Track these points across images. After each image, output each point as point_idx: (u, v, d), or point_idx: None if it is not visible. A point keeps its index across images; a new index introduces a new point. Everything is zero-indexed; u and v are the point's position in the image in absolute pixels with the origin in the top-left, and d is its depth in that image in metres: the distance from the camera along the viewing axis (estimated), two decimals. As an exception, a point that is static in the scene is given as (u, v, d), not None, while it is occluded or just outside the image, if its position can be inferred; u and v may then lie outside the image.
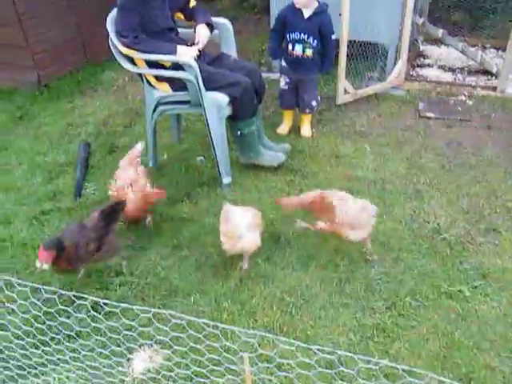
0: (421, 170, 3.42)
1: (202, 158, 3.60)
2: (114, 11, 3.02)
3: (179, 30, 3.26)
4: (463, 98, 4.36)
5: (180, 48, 2.96)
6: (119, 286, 2.58)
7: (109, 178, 3.39)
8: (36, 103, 4.52)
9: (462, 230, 2.86)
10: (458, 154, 3.61)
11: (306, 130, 3.84)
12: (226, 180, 3.23)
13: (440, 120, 4.04)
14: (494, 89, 4.38)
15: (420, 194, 3.18)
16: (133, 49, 2.91)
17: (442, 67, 4.96)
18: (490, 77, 4.68)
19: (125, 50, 2.94)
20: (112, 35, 2.99)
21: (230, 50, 3.35)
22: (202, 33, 3.10)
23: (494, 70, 4.62)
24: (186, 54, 2.93)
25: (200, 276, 2.63)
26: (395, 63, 4.45)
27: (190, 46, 3.08)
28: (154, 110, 3.18)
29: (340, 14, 3.81)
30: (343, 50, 3.95)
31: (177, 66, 2.95)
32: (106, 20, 3.07)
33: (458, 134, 3.86)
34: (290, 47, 3.56)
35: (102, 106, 4.45)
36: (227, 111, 3.05)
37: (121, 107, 4.39)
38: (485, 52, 5.18)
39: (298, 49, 3.54)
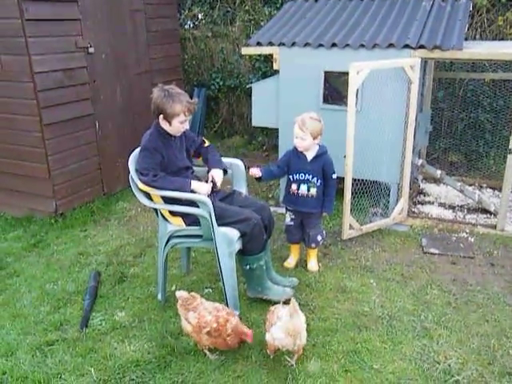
0: (428, 307, 3.43)
1: (210, 290, 3.63)
2: (137, 151, 3.28)
3: (194, 168, 3.49)
4: (465, 234, 4.48)
5: (194, 183, 3.17)
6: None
7: (116, 309, 3.43)
8: (51, 231, 4.68)
9: (475, 372, 2.80)
10: (464, 291, 3.63)
11: (312, 264, 3.92)
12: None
13: (444, 256, 4.12)
14: (494, 227, 4.52)
15: (428, 332, 3.15)
16: (151, 186, 3.11)
17: (442, 205, 5.16)
18: (489, 215, 4.86)
19: (144, 188, 3.14)
20: (132, 173, 3.21)
21: (241, 187, 3.57)
22: (216, 175, 3.35)
23: (492, 209, 4.82)
24: (201, 190, 3.14)
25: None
26: (398, 200, 4.66)
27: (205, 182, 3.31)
28: (167, 243, 3.30)
29: (344, 156, 4.10)
30: (348, 188, 4.18)
31: (191, 202, 3.13)
32: (127, 157, 3.31)
33: (462, 271, 3.91)
34: (295, 187, 3.76)
35: (113, 235, 4.59)
36: (237, 246, 3.16)
37: (132, 237, 4.53)
38: (482, 191, 5.43)
39: (304, 188, 3.75)
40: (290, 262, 3.97)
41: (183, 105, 3.12)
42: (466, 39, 5.00)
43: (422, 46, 4.25)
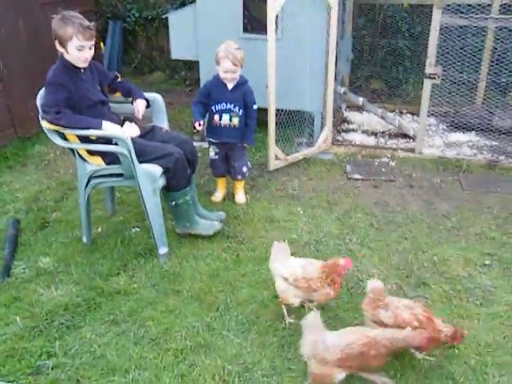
0: (352, 230, 3.57)
1: (137, 229, 3.57)
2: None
3: (111, 105, 3.31)
4: (386, 159, 4.64)
5: (106, 124, 2.98)
6: (51, 368, 2.44)
7: (39, 255, 3.30)
8: (-40, 181, 4.37)
9: (395, 285, 2.98)
10: (385, 212, 3.80)
11: (239, 196, 3.93)
12: (163, 250, 3.21)
13: (367, 181, 4.27)
14: (413, 150, 4.70)
15: (353, 253, 3.29)
16: (55, 124, 2.91)
17: (365, 132, 5.29)
18: (408, 139, 5.04)
19: (47, 126, 2.94)
20: (40, 112, 2.99)
21: (162, 122, 3.44)
22: (140, 105, 3.24)
23: (411, 133, 4.99)
24: (115, 130, 2.99)
25: (139, 351, 2.55)
26: (322, 129, 4.71)
27: (124, 120, 3.16)
28: (87, 184, 3.16)
29: (266, 86, 4.04)
30: (272, 119, 4.15)
31: (108, 140, 2.99)
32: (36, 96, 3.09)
33: (384, 194, 4.08)
34: (217, 117, 3.70)
35: (31, 180, 4.35)
36: (161, 182, 3.09)
37: (52, 182, 4.32)
38: (402, 117, 5.60)
39: (226, 118, 3.69)
40: (218, 196, 3.96)
41: (75, 27, 2.87)
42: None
43: (340, -31, 4.16)
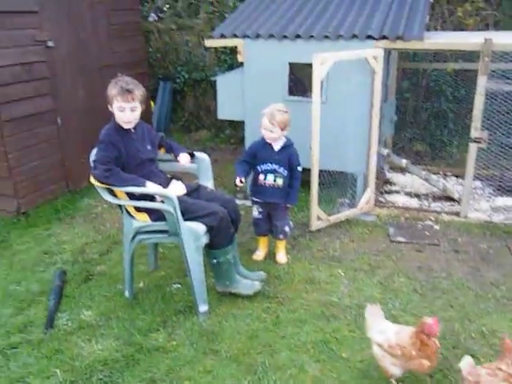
0: (395, 295, 3.48)
1: (179, 285, 3.60)
2: (98, 146, 3.21)
3: (160, 163, 3.44)
4: (430, 222, 4.56)
5: (150, 185, 3.09)
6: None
7: (82, 308, 3.36)
8: (13, 231, 4.54)
9: (440, 356, 2.85)
10: (430, 278, 3.70)
11: (281, 256, 3.93)
12: (203, 308, 3.21)
13: (410, 244, 4.19)
14: (458, 214, 4.61)
15: (395, 319, 3.18)
16: (103, 182, 3.05)
17: (408, 193, 5.24)
18: (453, 202, 4.96)
19: (97, 183, 3.08)
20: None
21: (207, 181, 3.53)
22: (184, 157, 3.38)
23: (456, 196, 4.91)
24: (163, 189, 3.11)
25: (174, 413, 2.51)
26: (364, 190, 4.70)
27: (171, 178, 3.28)
28: (133, 239, 3.24)
29: (310, 148, 4.10)
30: (314, 180, 4.19)
31: (152, 198, 3.09)
32: (89, 152, 3.25)
33: (427, 258, 3.98)
34: (262, 177, 3.76)
35: (79, 233, 4.50)
36: (204, 240, 3.13)
37: (98, 235, 4.45)
38: (446, 179, 5.53)
39: (270, 178, 3.75)
40: (259, 255, 3.96)
41: (117, 90, 3.05)
42: (428, 30, 5.07)
43: (384, 37, 4.28)
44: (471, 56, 5.27)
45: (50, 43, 4.77)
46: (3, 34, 4.34)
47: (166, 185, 3.22)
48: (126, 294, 3.45)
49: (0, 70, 4.35)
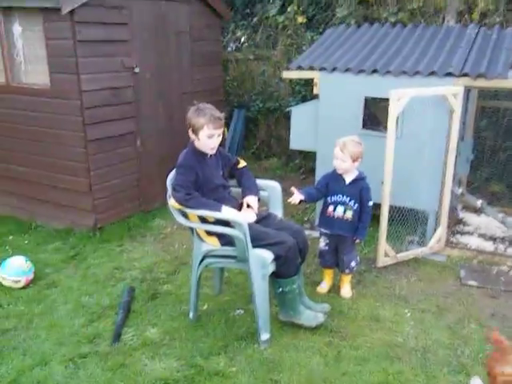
0: (465, 342, 3.32)
1: (242, 311, 3.63)
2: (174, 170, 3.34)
3: (232, 189, 3.53)
4: (506, 268, 4.34)
5: (225, 209, 3.18)
6: None
7: (147, 325, 3.47)
8: (89, 244, 4.78)
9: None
10: (504, 327, 3.50)
11: (345, 290, 3.88)
12: (265, 336, 3.22)
13: (483, 289, 4.00)
14: (537, 261, 4.37)
15: (465, 368, 3.05)
16: (183, 205, 3.16)
17: (482, 235, 5.01)
18: (531, 248, 4.70)
19: (176, 205, 3.19)
20: (169, 191, 3.27)
21: (277, 209, 3.57)
22: (252, 202, 3.38)
23: (535, 243, 4.66)
24: (234, 215, 3.17)
25: None
26: (435, 229, 4.56)
27: (242, 204, 3.35)
28: (200, 262, 3.32)
29: (382, 182, 4.06)
30: (384, 216, 4.13)
31: (226, 222, 3.16)
32: (165, 176, 3.39)
33: (502, 306, 3.78)
34: (331, 208, 3.76)
35: (149, 252, 4.66)
36: (271, 268, 3.16)
37: (167, 255, 4.59)
38: (525, 223, 5.26)
39: (340, 210, 3.74)
40: (323, 287, 3.93)
41: (206, 118, 3.17)
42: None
43: (465, 74, 4.19)
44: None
45: (137, 69, 5.06)
46: (96, 61, 4.66)
47: (237, 211, 3.29)
48: (191, 315, 3.52)
49: (92, 93, 4.66)
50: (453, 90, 4.12)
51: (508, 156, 6.01)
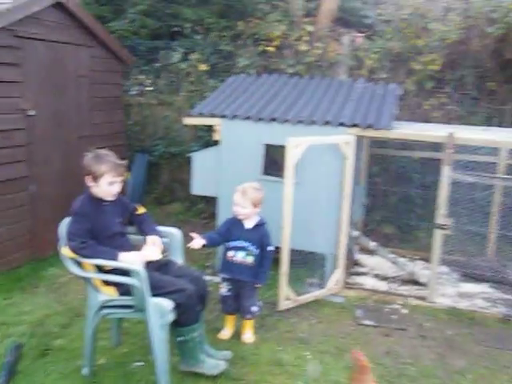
0: (361, 381, 3.41)
1: (141, 363, 3.47)
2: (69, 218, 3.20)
3: (131, 236, 3.43)
4: (398, 306, 4.58)
5: (123, 255, 3.08)
6: None
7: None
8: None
9: None
10: (397, 363, 3.67)
11: (247, 335, 3.86)
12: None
13: (377, 328, 4.17)
14: (425, 298, 4.66)
15: (362, 407, 3.12)
16: (78, 254, 3.03)
17: (376, 276, 5.28)
18: (420, 286, 5.01)
19: (70, 254, 3.04)
20: (61, 240, 3.11)
21: (178, 256, 3.52)
22: (156, 241, 3.31)
23: (423, 281, 4.98)
24: (132, 261, 3.06)
25: None
26: (333, 271, 4.73)
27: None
28: (96, 314, 3.16)
29: (281, 227, 4.16)
30: (285, 260, 4.22)
31: (124, 271, 3.05)
32: (59, 222, 3.23)
33: (395, 343, 3.96)
34: (232, 253, 3.79)
35: (41, 303, 4.34)
36: (170, 317, 3.07)
37: (60, 306, 4.30)
38: (414, 263, 5.61)
39: (241, 255, 3.77)
40: (225, 334, 3.89)
41: (108, 165, 3.12)
42: (398, 120, 5.35)
43: (356, 125, 4.50)
44: (437, 146, 5.55)
45: (32, 112, 4.85)
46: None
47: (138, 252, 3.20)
48: (85, 371, 3.30)
49: (-22, 135, 4.38)
50: (345, 139, 4.39)
51: (398, 200, 6.46)
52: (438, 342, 4.01)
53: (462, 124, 5.94)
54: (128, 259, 3.07)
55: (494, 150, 5.32)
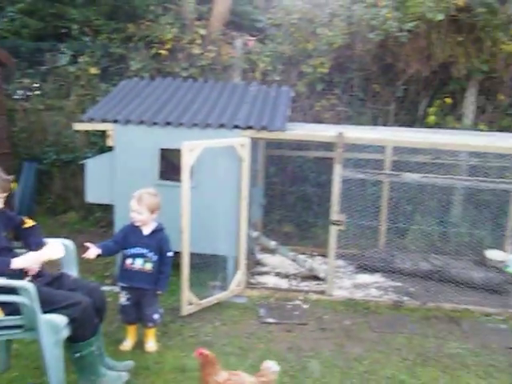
0: (266, 378, 3.48)
1: (36, 385, 3.27)
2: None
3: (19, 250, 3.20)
4: (299, 302, 4.73)
5: (17, 261, 2.90)
6: None
7: None
8: None
9: None
10: (299, 358, 3.78)
11: (150, 344, 3.77)
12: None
13: (280, 325, 4.27)
14: (324, 292, 4.85)
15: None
16: None
17: (278, 274, 5.41)
18: (319, 281, 5.21)
19: None
20: None
21: (71, 269, 3.36)
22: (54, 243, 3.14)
23: (322, 276, 5.18)
24: (28, 264, 2.91)
25: None
26: (235, 272, 4.77)
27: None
28: (-20, 337, 2.92)
29: (181, 231, 4.12)
30: (185, 264, 4.18)
31: (10, 289, 2.84)
32: None
33: (297, 338, 4.08)
34: (130, 261, 3.69)
35: None
36: (65, 333, 2.92)
37: None
38: (313, 259, 5.83)
39: (138, 263, 3.69)
40: (127, 345, 3.77)
41: None
42: (291, 121, 5.52)
43: (250, 127, 4.58)
44: (330, 145, 5.81)
45: None
46: None
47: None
48: (-30, 400, 3.04)
49: None
50: (240, 141, 4.45)
51: (295, 199, 6.67)
52: (337, 332, 4.20)
53: (352, 124, 6.28)
54: (24, 263, 2.89)
55: (380, 148, 5.69)
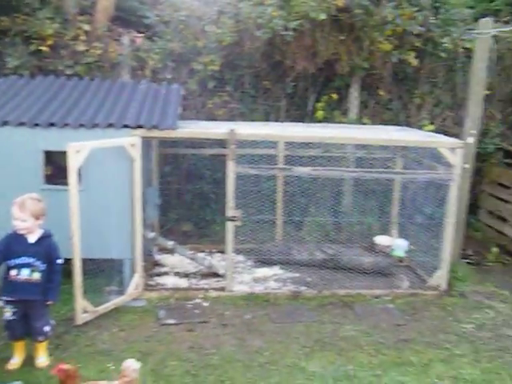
0: (168, 380, 3.43)
1: None
2: None
3: None
4: (199, 300, 4.71)
5: None
6: None
7: None
8: None
9: None
10: (201, 356, 3.77)
11: (42, 359, 3.56)
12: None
13: (181, 325, 4.23)
14: (224, 289, 4.87)
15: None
16: None
17: (177, 274, 5.34)
18: (219, 278, 5.23)
19: None
20: None
21: None
22: None
23: (221, 272, 5.20)
24: None
25: None
26: (132, 275, 4.64)
27: None
28: None
29: (71, 238, 3.92)
30: (77, 271, 3.99)
31: None
32: None
33: (198, 337, 4.07)
34: (15, 272, 3.45)
35: None
36: None
37: None
38: (212, 256, 5.83)
39: (25, 273, 3.46)
40: (15, 362, 3.52)
41: None
42: (184, 119, 5.46)
43: (140, 126, 4.46)
44: (224, 143, 5.84)
45: None
46: None
47: None
48: None
49: None
50: (130, 141, 4.33)
51: (192, 197, 6.63)
52: (238, 327, 4.25)
53: (245, 120, 6.36)
54: None
55: (273, 144, 5.82)
